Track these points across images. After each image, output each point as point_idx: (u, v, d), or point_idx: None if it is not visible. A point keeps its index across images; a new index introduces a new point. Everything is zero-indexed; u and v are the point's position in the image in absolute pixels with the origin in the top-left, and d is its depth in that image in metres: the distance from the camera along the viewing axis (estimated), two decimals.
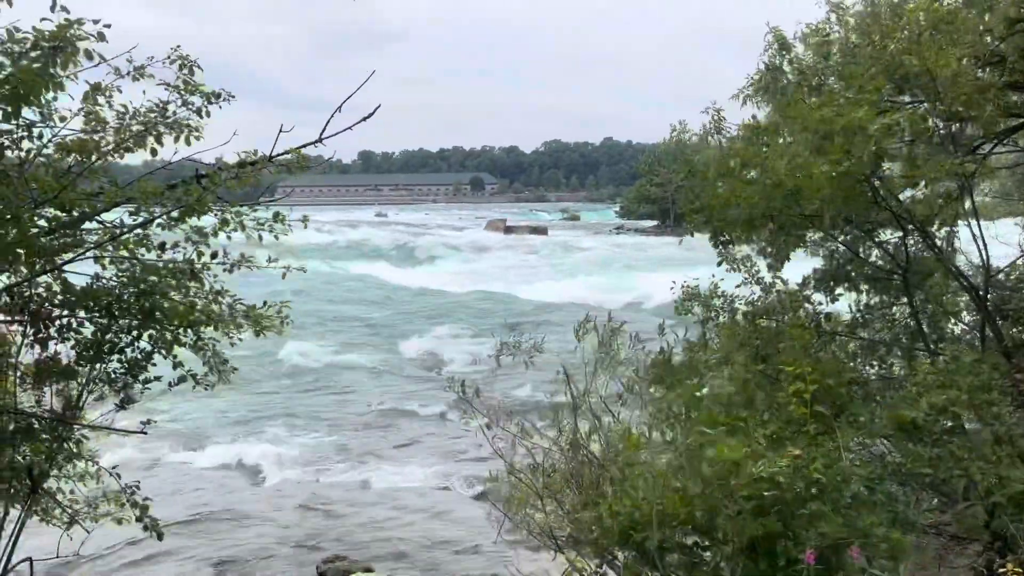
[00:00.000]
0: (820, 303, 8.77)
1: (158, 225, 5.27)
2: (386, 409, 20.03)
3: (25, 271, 5.16)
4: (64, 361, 5.46)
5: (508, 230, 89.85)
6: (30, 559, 5.17)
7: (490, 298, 39.35)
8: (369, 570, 11.14)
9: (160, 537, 5.34)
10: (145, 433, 5.29)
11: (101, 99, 5.13)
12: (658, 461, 5.68)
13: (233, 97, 5.63)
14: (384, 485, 14.62)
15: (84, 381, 5.42)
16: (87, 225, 5.49)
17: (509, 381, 17.01)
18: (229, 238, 5.52)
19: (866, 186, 7.24)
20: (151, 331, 5.56)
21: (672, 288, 9.30)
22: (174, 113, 5.42)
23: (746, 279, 8.91)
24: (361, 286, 43.15)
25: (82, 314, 5.35)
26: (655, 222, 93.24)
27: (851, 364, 8.34)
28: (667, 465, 5.50)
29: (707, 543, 5.46)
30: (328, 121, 5.59)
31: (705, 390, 6.90)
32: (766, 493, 4.81)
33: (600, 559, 6.30)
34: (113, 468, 5.57)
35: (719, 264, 9.04)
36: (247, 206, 5.46)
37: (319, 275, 43.11)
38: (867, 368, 8.73)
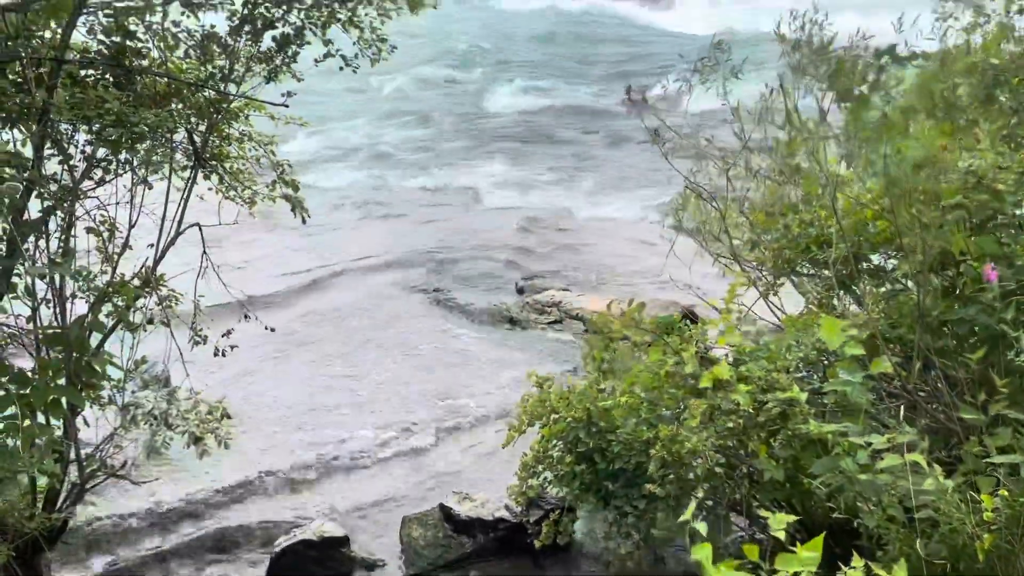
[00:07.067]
0: None
1: None
2: (599, 139, 19.39)
3: None
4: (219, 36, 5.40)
5: None
6: (198, 224, 5.43)
7: (735, 38, 35.82)
8: (565, 290, 11.29)
9: (304, 221, 5.40)
10: (286, 107, 5.15)
11: None
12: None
13: None
14: (586, 215, 14.41)
15: (235, 54, 5.34)
16: None
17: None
18: None
19: None
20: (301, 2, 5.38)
21: None
22: None
23: None
24: (596, 25, 41.06)
25: None
26: None
27: None
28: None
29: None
30: None
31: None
32: (973, 195, 3.78)
33: (779, 274, 5.63)
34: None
35: None
36: None
37: (554, 13, 41.56)
38: None
